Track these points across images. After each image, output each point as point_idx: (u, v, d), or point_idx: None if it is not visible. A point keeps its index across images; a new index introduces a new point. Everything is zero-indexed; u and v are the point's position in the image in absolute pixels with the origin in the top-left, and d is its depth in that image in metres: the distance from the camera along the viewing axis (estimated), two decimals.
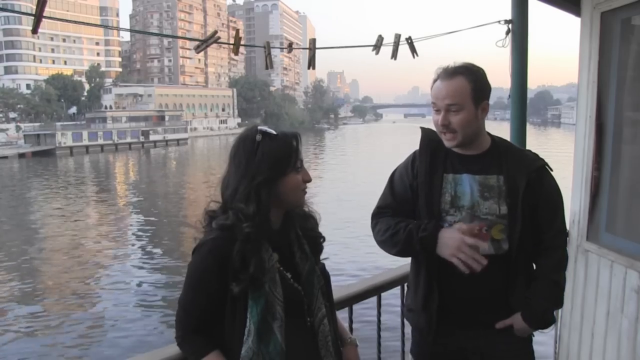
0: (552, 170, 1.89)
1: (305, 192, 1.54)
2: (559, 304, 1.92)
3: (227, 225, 1.41)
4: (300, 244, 1.55)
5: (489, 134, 1.91)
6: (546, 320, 1.90)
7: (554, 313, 1.96)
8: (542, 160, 1.88)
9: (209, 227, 1.48)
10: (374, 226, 1.97)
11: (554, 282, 1.87)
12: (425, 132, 1.93)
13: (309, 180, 1.53)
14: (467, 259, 1.68)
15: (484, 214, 1.80)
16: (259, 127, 1.48)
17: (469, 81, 1.76)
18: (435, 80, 1.82)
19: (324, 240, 1.63)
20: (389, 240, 1.87)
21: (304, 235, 1.58)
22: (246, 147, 1.46)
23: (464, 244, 1.69)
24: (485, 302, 1.84)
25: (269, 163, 1.43)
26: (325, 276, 1.60)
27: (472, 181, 1.82)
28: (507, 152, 1.88)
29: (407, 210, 1.94)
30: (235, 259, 1.38)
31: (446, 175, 1.85)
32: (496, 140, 1.91)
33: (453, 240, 1.71)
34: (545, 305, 1.87)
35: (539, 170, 1.85)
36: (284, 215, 1.54)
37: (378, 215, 1.99)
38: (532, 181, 1.81)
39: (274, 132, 1.47)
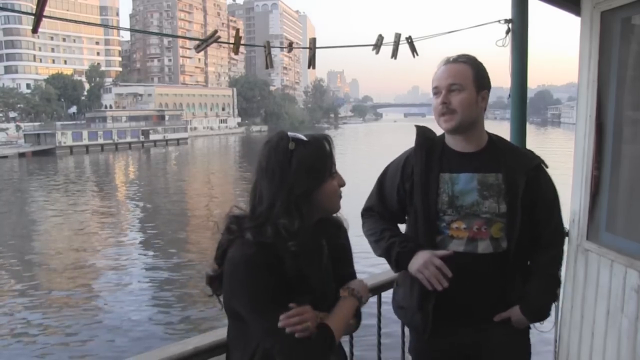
0: (547, 167, 1.90)
1: (341, 197, 1.46)
2: (555, 297, 1.95)
3: (267, 244, 1.31)
4: (321, 254, 1.47)
5: (486, 131, 1.91)
6: (543, 313, 1.92)
7: (551, 306, 1.97)
8: (539, 158, 1.89)
9: (236, 235, 1.37)
10: (362, 224, 2.04)
11: (551, 276, 1.89)
12: (421, 129, 1.93)
13: (344, 184, 1.46)
14: (431, 277, 1.75)
15: (483, 213, 1.80)
16: (289, 134, 1.38)
17: (471, 67, 1.80)
18: (438, 69, 1.84)
19: (348, 251, 1.56)
20: (373, 244, 1.97)
21: (334, 244, 1.50)
22: (278, 156, 1.35)
23: (432, 263, 1.75)
24: (483, 300, 1.84)
25: (306, 172, 1.35)
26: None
27: (470, 180, 1.82)
28: (505, 150, 1.88)
29: (391, 212, 1.98)
30: (289, 276, 1.30)
31: (442, 175, 1.84)
32: (493, 138, 1.91)
33: (423, 259, 1.78)
34: (542, 299, 1.88)
35: (536, 168, 1.86)
36: (316, 222, 1.45)
37: (365, 215, 2.05)
38: (531, 179, 1.82)
39: (305, 138, 1.38)
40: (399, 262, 1.87)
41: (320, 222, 1.46)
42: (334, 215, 1.51)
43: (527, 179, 1.80)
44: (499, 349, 1.88)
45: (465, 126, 1.81)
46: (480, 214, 1.80)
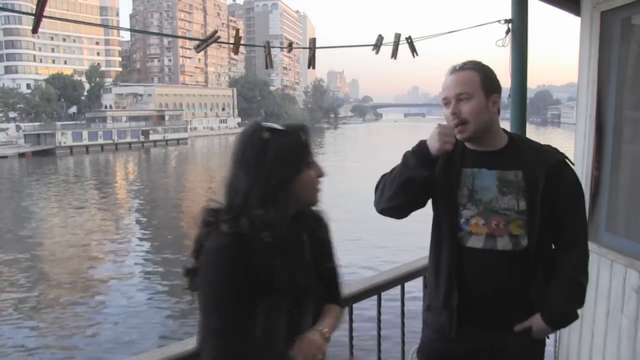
0: (573, 164, 1.87)
1: (320, 189, 1.43)
2: (580, 303, 1.88)
3: (243, 234, 1.28)
4: (302, 249, 1.44)
5: (505, 131, 1.90)
6: (566, 320, 1.89)
7: (576, 313, 1.91)
8: (562, 154, 1.85)
9: (212, 227, 1.34)
10: (375, 194, 1.94)
11: (574, 281, 1.83)
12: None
13: (322, 175, 1.42)
14: (442, 136, 1.72)
15: (502, 209, 1.79)
16: (264, 124, 1.37)
17: (478, 73, 1.79)
18: (445, 79, 1.84)
19: (330, 244, 1.52)
20: (386, 189, 1.85)
21: (313, 238, 1.47)
22: (254, 146, 1.34)
23: (436, 133, 1.73)
24: (503, 300, 1.81)
25: (281, 162, 1.33)
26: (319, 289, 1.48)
27: (490, 176, 1.81)
28: (525, 148, 1.87)
29: None
30: (260, 272, 1.27)
31: (464, 170, 1.84)
32: (513, 137, 1.91)
33: (430, 136, 1.75)
34: (566, 306, 1.83)
35: (558, 164, 1.82)
36: (294, 215, 1.42)
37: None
38: (552, 175, 1.79)
39: (281, 128, 1.37)
40: (419, 155, 1.78)
41: (300, 216, 1.43)
42: (314, 208, 1.48)
43: (548, 175, 1.78)
44: (514, 356, 1.85)
45: (480, 133, 1.81)
46: (498, 210, 1.79)
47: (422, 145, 1.78)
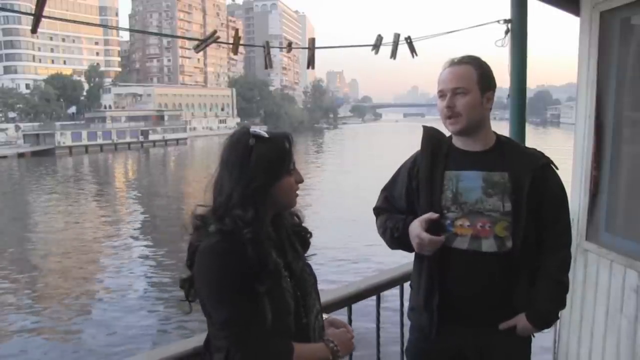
0: (557, 168, 1.89)
1: (297, 194, 1.53)
2: (563, 304, 1.92)
3: (227, 231, 1.37)
4: (291, 243, 1.55)
5: (494, 132, 1.92)
6: (550, 320, 1.91)
7: (558, 313, 1.96)
8: (547, 158, 1.87)
9: (201, 231, 1.42)
10: (376, 222, 2.06)
11: (558, 282, 1.86)
12: (427, 129, 1.95)
13: (301, 181, 1.52)
14: (430, 253, 1.82)
15: (487, 211, 1.80)
16: (251, 130, 1.45)
17: (476, 69, 1.81)
18: (442, 71, 1.85)
19: (311, 235, 1.62)
20: (383, 238, 2.00)
21: (293, 232, 1.57)
22: (239, 151, 1.43)
23: (423, 244, 1.80)
24: (487, 300, 1.82)
25: (263, 168, 1.41)
26: (313, 277, 1.59)
27: (475, 177, 1.82)
28: (512, 150, 1.89)
29: (399, 211, 2.00)
30: (252, 261, 1.34)
31: (447, 172, 1.85)
32: (501, 139, 1.92)
33: (414, 242, 1.83)
34: (550, 306, 1.87)
35: (543, 167, 1.84)
36: (274, 215, 1.52)
37: (375, 213, 2.07)
38: (537, 179, 1.80)
39: (266, 135, 1.45)
40: (404, 245, 1.91)
41: (284, 215, 1.54)
42: (293, 210, 1.58)
43: (533, 178, 1.80)
44: (500, 356, 1.87)
45: (471, 128, 1.82)
46: (484, 212, 1.80)
47: (405, 240, 1.86)
